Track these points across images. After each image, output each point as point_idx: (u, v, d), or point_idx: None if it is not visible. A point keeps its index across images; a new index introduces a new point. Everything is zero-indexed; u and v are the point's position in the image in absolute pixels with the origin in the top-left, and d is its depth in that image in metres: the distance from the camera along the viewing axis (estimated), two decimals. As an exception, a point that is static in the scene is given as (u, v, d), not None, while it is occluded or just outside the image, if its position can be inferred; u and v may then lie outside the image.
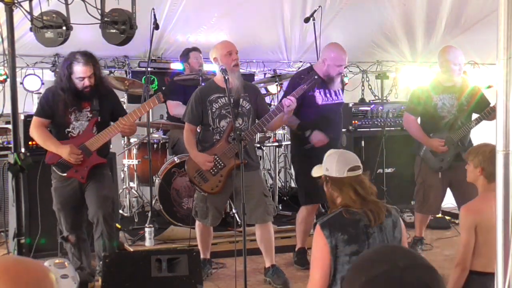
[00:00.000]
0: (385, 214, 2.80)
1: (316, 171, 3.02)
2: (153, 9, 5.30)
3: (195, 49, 6.07)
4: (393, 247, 1.95)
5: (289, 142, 6.72)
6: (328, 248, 2.66)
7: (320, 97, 4.73)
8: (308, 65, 7.24)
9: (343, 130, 6.58)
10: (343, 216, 2.76)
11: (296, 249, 4.94)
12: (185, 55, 6.09)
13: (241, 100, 4.35)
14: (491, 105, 4.86)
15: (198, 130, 4.55)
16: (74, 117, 4.21)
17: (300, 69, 7.27)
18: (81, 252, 4.32)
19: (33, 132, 4.24)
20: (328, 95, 4.79)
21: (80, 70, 4.10)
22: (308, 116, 4.75)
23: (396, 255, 1.34)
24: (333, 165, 2.85)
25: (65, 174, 4.19)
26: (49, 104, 4.20)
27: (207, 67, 5.93)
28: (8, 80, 4.69)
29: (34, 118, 4.25)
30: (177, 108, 5.77)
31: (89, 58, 4.15)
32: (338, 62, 4.67)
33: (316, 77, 4.45)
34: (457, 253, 2.88)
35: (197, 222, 4.55)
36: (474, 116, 4.97)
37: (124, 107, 4.88)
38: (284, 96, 4.50)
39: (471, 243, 2.93)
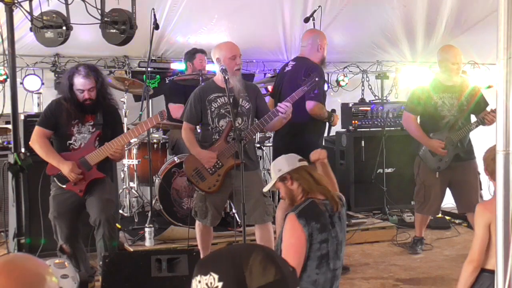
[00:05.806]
0: (341, 204, 3.02)
1: (268, 187, 3.22)
2: (153, 9, 5.30)
3: (202, 51, 6.06)
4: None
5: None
6: (305, 237, 2.83)
7: None
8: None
9: (343, 130, 6.61)
10: (315, 205, 2.93)
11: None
12: (192, 54, 6.06)
13: (240, 99, 4.34)
14: (488, 108, 4.86)
15: (199, 131, 4.55)
16: (77, 130, 4.15)
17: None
18: (78, 261, 4.26)
19: (35, 143, 4.14)
20: None
21: (80, 82, 4.05)
22: None
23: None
24: (284, 163, 3.09)
25: (64, 186, 4.14)
26: (53, 113, 4.14)
27: (209, 67, 5.91)
28: (8, 80, 4.69)
29: (37, 127, 4.16)
30: (179, 111, 5.75)
31: (91, 71, 4.08)
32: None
33: (316, 79, 4.44)
34: (471, 250, 2.88)
35: (197, 222, 4.54)
36: (473, 117, 4.96)
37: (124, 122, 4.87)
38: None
39: (485, 240, 2.93)
